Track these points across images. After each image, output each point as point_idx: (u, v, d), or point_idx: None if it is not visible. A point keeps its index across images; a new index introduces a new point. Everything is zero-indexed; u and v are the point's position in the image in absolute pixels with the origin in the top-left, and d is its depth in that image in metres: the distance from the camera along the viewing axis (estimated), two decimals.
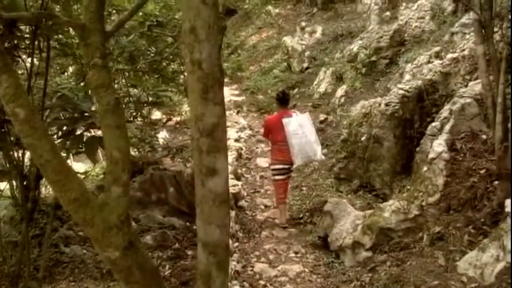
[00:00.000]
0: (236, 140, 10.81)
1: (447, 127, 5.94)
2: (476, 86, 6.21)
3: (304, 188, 8.49)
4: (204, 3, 1.90)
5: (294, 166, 7.50)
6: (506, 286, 4.00)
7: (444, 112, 6.20)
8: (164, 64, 6.48)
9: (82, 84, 4.92)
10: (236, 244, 6.47)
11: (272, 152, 7.67)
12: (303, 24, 16.44)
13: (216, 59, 2.00)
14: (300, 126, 7.13)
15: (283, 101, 7.56)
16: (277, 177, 7.50)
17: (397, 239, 5.54)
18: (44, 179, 4.48)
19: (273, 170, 7.60)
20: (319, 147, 7.27)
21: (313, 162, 8.34)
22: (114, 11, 5.47)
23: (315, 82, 13.21)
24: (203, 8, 1.91)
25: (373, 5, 12.95)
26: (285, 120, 7.14)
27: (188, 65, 2.02)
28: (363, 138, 7.62)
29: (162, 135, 10.24)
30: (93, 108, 4.03)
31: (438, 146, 5.74)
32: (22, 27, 4.10)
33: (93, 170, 7.49)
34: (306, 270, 5.90)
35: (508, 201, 4.39)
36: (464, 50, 7.76)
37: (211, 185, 2.16)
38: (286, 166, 7.39)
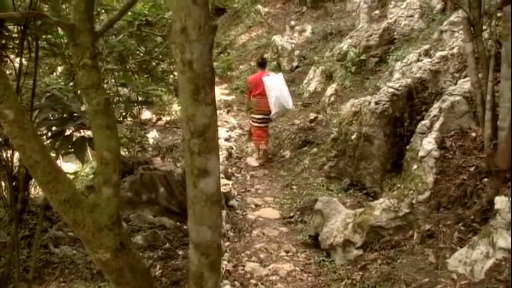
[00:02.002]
0: (226, 140, 10.83)
1: (437, 125, 5.97)
2: (465, 84, 6.24)
3: (294, 187, 8.50)
4: (195, 3, 1.89)
5: (271, 114, 9.72)
6: (495, 282, 4.03)
7: (434, 110, 6.22)
8: (154, 64, 6.45)
9: (71, 84, 4.89)
10: (227, 243, 6.47)
11: (252, 104, 10.03)
12: (293, 23, 16.44)
13: (207, 59, 1.98)
14: (276, 83, 9.65)
15: (262, 64, 10.23)
16: (255, 124, 10.09)
17: (388, 237, 5.56)
18: (33, 180, 4.46)
19: (252, 118, 10.20)
20: (290, 100, 9.78)
21: (286, 111, 10.45)
22: (103, 11, 5.44)
23: (305, 81, 13.22)
24: (194, 8, 1.90)
25: (362, 4, 12.97)
26: (264, 78, 9.67)
27: (179, 65, 2.00)
28: (353, 137, 7.64)
29: (152, 135, 10.24)
30: (82, 109, 4.01)
31: (428, 144, 5.76)
32: (10, 27, 4.07)
33: (83, 170, 7.46)
34: (297, 269, 5.90)
35: (497, 198, 4.41)
36: (453, 48, 7.79)
37: (203, 185, 2.15)
38: (263, 116, 9.86)
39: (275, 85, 9.58)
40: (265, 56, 16.29)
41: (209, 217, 2.22)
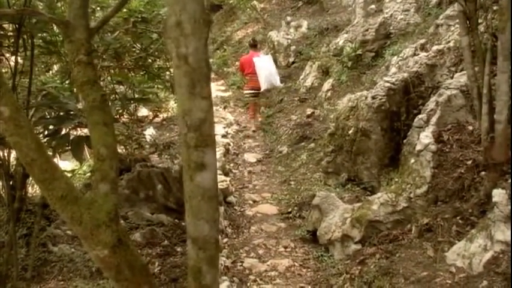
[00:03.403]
0: (223, 136, 10.79)
1: (434, 119, 5.96)
2: (461, 78, 6.24)
3: (292, 183, 8.50)
4: None
5: (261, 90, 11.65)
6: (494, 275, 4.03)
7: (430, 104, 6.21)
8: (150, 60, 6.43)
9: (67, 82, 4.88)
10: (225, 240, 6.47)
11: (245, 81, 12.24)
12: (288, 18, 16.37)
13: (202, 53, 1.98)
14: (265, 63, 11.48)
15: (253, 45, 12.32)
16: (246, 97, 12.43)
17: (386, 231, 5.57)
18: (30, 178, 4.45)
19: (246, 93, 12.33)
20: (278, 78, 11.68)
21: (275, 88, 12.15)
22: (98, 8, 5.42)
23: (301, 76, 13.18)
24: (189, 2, 1.89)
25: None
26: (255, 59, 11.50)
27: (174, 59, 2.00)
28: (350, 132, 7.63)
29: (149, 132, 10.20)
30: (79, 106, 4.00)
31: (425, 137, 5.76)
32: (5, 25, 4.06)
33: (80, 168, 7.45)
34: (296, 264, 5.91)
35: (495, 191, 4.42)
36: (449, 41, 7.78)
37: (200, 180, 2.14)
38: (254, 91, 11.79)
39: (264, 65, 11.43)
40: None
41: (206, 211, 2.21)
